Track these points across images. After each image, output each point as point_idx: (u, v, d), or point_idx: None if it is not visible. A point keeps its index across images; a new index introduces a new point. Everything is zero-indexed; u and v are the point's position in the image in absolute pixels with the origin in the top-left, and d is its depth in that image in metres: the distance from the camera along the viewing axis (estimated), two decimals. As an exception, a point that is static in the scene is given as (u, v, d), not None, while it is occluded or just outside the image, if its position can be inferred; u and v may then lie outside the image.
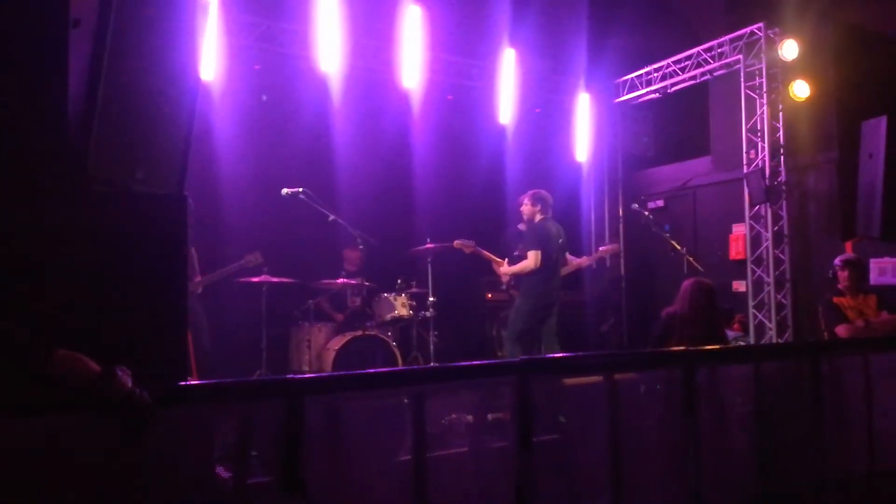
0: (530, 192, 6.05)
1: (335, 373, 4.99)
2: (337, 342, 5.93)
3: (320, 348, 6.09)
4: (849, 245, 6.39)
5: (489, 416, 3.01)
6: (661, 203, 8.94)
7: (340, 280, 6.32)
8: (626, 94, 9.06)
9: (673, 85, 8.50)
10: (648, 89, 8.78)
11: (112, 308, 2.11)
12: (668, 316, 4.51)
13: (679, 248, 6.40)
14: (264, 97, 6.93)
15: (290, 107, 6.92)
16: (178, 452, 2.13)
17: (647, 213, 6.87)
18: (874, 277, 6.07)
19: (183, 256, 2.33)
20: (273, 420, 2.21)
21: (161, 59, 2.23)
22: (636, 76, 8.90)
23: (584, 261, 6.85)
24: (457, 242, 6.17)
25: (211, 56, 6.11)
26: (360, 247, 5.81)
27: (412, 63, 7.35)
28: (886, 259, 5.96)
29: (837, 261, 5.25)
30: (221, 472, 2.41)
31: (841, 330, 4.91)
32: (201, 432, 2.25)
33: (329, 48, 6.83)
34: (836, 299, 5.11)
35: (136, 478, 1.91)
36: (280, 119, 6.87)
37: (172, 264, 2.24)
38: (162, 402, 1.84)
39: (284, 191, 5.47)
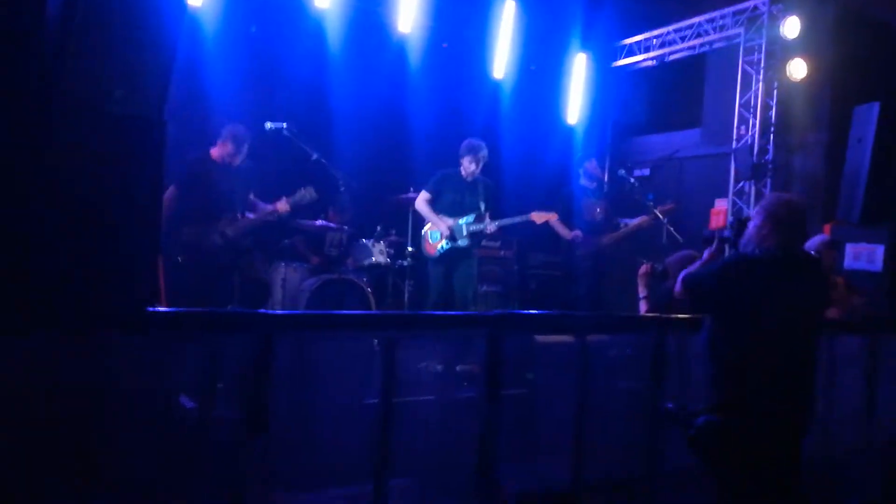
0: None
1: (307, 311, 4.96)
2: (311, 284, 5.89)
3: (294, 289, 6.05)
4: (827, 228, 6.44)
5: (458, 368, 3.03)
6: (646, 172, 8.91)
7: (319, 222, 6.25)
8: (624, 58, 8.94)
9: (671, 53, 8.40)
10: (646, 56, 8.66)
11: (84, 229, 2.06)
12: None
13: (661, 216, 6.38)
14: (253, 28, 6.73)
15: (280, 41, 6.72)
16: (144, 379, 2.11)
17: (632, 180, 6.83)
18: (848, 262, 6.12)
19: (158, 181, 2.26)
20: (241, 355, 2.19)
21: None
22: (635, 42, 8.77)
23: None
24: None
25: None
26: (342, 188, 5.71)
27: (409, 7, 7.17)
28: (863, 245, 6.01)
29: (826, 241, 5.17)
30: (186, 402, 2.40)
31: (833, 312, 4.94)
32: (168, 360, 2.22)
33: (325, -17, 6.63)
34: None
35: (97, 401, 1.89)
36: (269, 53, 6.68)
37: (147, 187, 2.18)
38: (130, 326, 1.81)
39: (268, 124, 5.34)
